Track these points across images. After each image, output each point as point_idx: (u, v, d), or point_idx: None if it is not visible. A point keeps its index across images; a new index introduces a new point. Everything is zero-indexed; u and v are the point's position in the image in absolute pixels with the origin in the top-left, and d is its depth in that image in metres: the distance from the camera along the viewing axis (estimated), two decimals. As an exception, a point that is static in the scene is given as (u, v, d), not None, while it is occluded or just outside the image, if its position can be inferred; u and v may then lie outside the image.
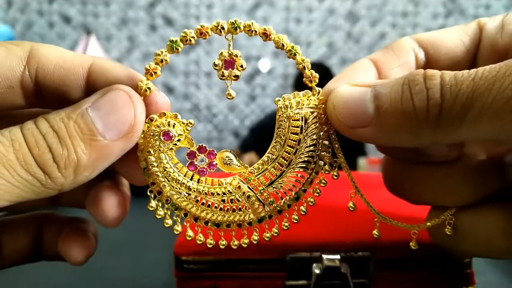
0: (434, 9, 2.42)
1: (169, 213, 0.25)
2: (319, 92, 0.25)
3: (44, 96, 0.23)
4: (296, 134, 0.25)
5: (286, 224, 0.26)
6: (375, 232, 0.27)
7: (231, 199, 0.25)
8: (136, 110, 0.22)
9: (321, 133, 0.25)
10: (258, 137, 1.91)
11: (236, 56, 0.24)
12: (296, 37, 2.36)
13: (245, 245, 0.26)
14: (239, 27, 0.24)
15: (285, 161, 0.25)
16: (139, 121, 0.22)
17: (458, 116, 0.19)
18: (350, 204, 0.26)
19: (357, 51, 2.41)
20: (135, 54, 2.33)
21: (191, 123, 0.24)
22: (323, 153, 0.25)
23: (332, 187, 0.27)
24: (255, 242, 0.26)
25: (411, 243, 0.27)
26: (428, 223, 0.27)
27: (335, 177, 0.25)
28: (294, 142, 0.25)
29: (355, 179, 0.26)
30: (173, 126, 0.24)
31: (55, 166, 0.20)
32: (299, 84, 1.75)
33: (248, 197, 0.25)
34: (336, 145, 0.25)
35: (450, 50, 0.27)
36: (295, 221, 0.26)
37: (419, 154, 0.26)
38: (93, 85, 0.23)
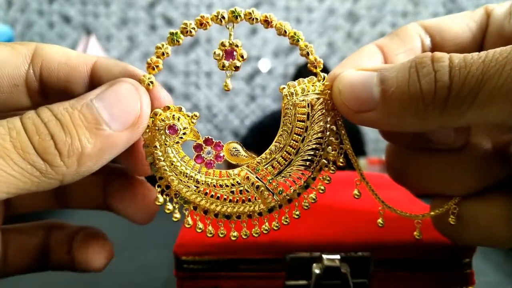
0: (434, 9, 2.42)
1: (178, 207, 0.25)
2: (324, 78, 0.25)
3: (48, 95, 0.23)
4: (303, 121, 0.25)
5: (297, 212, 0.26)
6: (379, 220, 0.27)
7: (240, 190, 0.25)
8: (142, 102, 0.22)
9: (328, 119, 0.25)
10: (258, 137, 1.91)
11: (237, 46, 0.24)
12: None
13: (256, 235, 0.25)
14: (240, 16, 0.23)
15: (293, 150, 0.25)
16: (145, 112, 0.22)
17: (467, 99, 0.19)
18: (355, 192, 0.26)
19: (357, 51, 2.41)
20: (135, 54, 2.33)
21: (196, 116, 0.24)
22: (331, 139, 0.25)
23: (332, 187, 0.27)
24: (265, 232, 0.26)
25: (414, 233, 0.27)
26: (432, 213, 0.27)
27: (341, 164, 0.25)
28: (301, 130, 0.25)
29: (356, 176, 0.26)
30: (178, 119, 0.24)
31: (57, 154, 0.19)
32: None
33: (257, 187, 0.25)
34: (343, 131, 0.25)
35: (456, 36, 0.27)
36: (305, 207, 0.26)
37: (425, 141, 0.26)
38: (97, 83, 0.23)
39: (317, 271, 0.31)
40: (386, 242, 0.32)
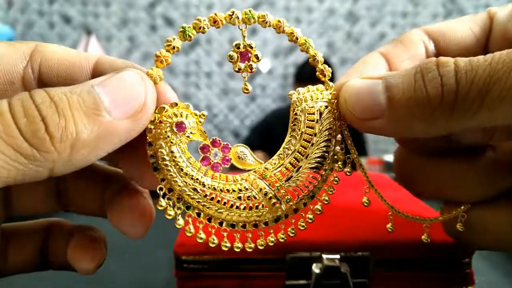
0: (434, 9, 2.42)
1: (180, 213, 0.23)
2: (331, 87, 0.24)
3: None
4: (312, 127, 0.24)
5: (303, 224, 0.25)
6: (389, 226, 0.26)
7: (248, 196, 0.24)
8: (148, 91, 0.20)
9: (334, 128, 0.24)
10: (264, 136, 1.90)
11: (251, 47, 0.23)
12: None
13: (261, 247, 0.24)
14: (253, 18, 0.23)
15: (301, 156, 0.24)
16: (150, 102, 0.20)
17: (475, 102, 0.19)
18: (365, 199, 0.25)
19: (357, 51, 2.40)
20: (135, 55, 2.33)
21: (204, 115, 0.23)
22: (336, 149, 0.24)
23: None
24: (271, 244, 0.24)
25: (422, 236, 0.26)
26: (440, 218, 0.27)
27: (348, 174, 0.25)
28: (310, 136, 0.24)
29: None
30: (186, 117, 0.22)
31: (47, 138, 0.17)
32: (299, 79, 1.74)
33: (265, 193, 0.23)
34: (349, 141, 0.24)
35: (460, 40, 0.27)
36: (309, 220, 0.25)
37: (447, 141, 0.26)
38: None
39: (317, 270, 0.31)
40: (386, 242, 0.32)
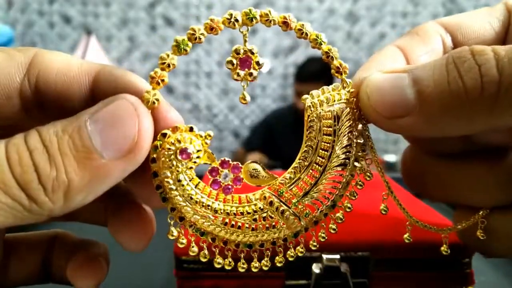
0: (434, 9, 2.42)
1: (193, 240, 0.22)
2: (349, 84, 0.22)
3: (44, 107, 0.21)
4: (329, 135, 0.22)
5: (323, 235, 0.23)
6: (406, 236, 0.25)
7: (263, 217, 0.22)
8: (141, 125, 0.18)
9: (355, 131, 0.22)
10: (264, 136, 1.90)
11: (253, 53, 0.21)
12: (296, 38, 2.36)
13: (280, 264, 0.24)
14: (255, 18, 0.20)
15: (319, 167, 0.22)
16: (145, 137, 0.19)
17: None
18: (382, 207, 0.24)
19: (357, 51, 2.40)
20: (135, 55, 2.33)
21: (209, 136, 0.21)
22: (359, 153, 0.23)
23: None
24: (291, 259, 0.23)
25: (442, 248, 0.25)
26: (459, 226, 0.25)
27: (368, 178, 0.23)
28: (328, 145, 0.22)
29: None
30: (190, 141, 0.20)
31: (41, 189, 0.17)
32: (299, 79, 1.74)
33: (282, 212, 0.22)
34: (370, 143, 0.23)
35: (478, 34, 0.25)
36: (332, 231, 0.23)
37: (466, 141, 0.24)
38: (98, 95, 0.21)
39: (317, 270, 0.31)
40: (386, 242, 0.32)
